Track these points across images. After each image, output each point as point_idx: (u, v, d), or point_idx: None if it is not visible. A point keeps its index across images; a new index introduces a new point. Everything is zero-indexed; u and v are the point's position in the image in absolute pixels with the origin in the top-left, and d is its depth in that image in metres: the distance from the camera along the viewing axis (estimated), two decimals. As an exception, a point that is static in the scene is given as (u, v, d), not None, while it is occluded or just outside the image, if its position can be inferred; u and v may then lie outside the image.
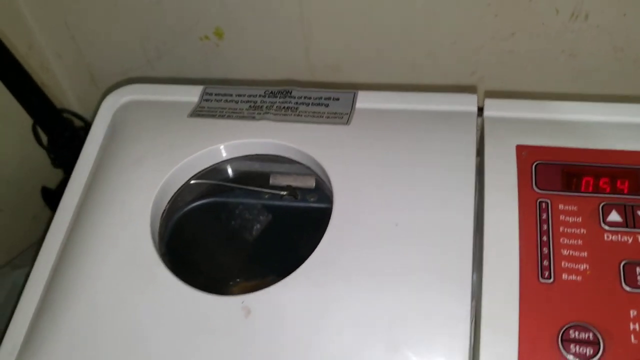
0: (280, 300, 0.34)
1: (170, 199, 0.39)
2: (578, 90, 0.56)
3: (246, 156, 0.42)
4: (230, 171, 0.43)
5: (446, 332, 0.32)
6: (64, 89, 0.71)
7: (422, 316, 0.33)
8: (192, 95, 0.44)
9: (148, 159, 0.39)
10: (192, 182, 0.40)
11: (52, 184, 0.68)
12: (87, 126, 0.65)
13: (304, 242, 0.38)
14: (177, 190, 0.40)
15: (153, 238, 0.36)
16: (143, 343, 0.34)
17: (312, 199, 0.43)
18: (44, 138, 0.64)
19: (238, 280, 0.39)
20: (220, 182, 0.42)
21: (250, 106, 0.42)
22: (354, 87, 0.44)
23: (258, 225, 0.42)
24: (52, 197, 0.64)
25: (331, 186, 0.37)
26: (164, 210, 0.39)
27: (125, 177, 0.39)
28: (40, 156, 0.67)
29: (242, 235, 0.42)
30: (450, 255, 0.34)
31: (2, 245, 0.64)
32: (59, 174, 0.69)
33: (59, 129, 0.62)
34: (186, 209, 0.41)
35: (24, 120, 0.61)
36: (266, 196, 0.44)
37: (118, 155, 0.40)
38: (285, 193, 0.44)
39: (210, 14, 0.60)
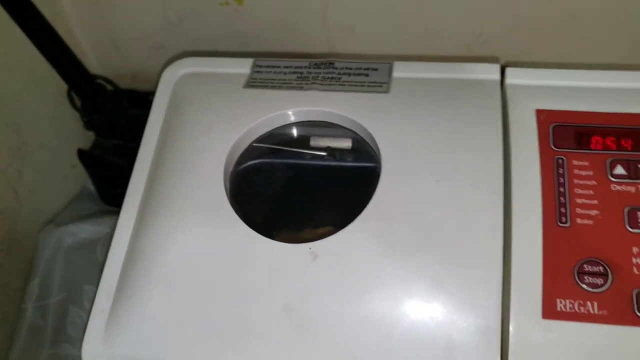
0: (343, 246, 0.41)
1: (236, 161, 0.46)
2: (580, 52, 0.62)
3: (293, 123, 0.49)
4: (280, 135, 0.49)
5: (481, 268, 0.40)
6: (87, 54, 0.76)
7: (462, 257, 0.40)
8: (242, 67, 0.50)
9: (216, 127, 0.46)
10: (254, 145, 0.47)
11: (83, 146, 0.73)
12: (117, 91, 0.70)
13: (348, 197, 0.45)
14: (241, 153, 0.47)
15: (227, 194, 0.43)
16: (224, 287, 0.41)
17: (349, 159, 0.50)
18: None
19: (295, 229, 0.46)
20: (273, 146, 0.48)
21: (297, 77, 0.49)
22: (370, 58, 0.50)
23: (308, 182, 0.49)
24: (87, 158, 0.70)
25: (378, 148, 0.44)
26: (231, 171, 0.46)
27: (198, 143, 0.45)
28: (71, 119, 0.72)
29: (294, 190, 0.49)
30: (483, 206, 0.41)
31: (43, 204, 0.69)
32: (89, 136, 0.74)
33: (92, 94, 0.67)
34: (247, 169, 0.48)
35: (58, 84, 0.66)
36: (308, 157, 0.51)
37: (187, 123, 0.47)
38: (325, 154, 0.51)
39: (231, -21, 0.65)
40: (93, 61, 0.77)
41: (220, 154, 0.45)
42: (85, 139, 0.75)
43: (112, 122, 0.69)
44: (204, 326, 0.41)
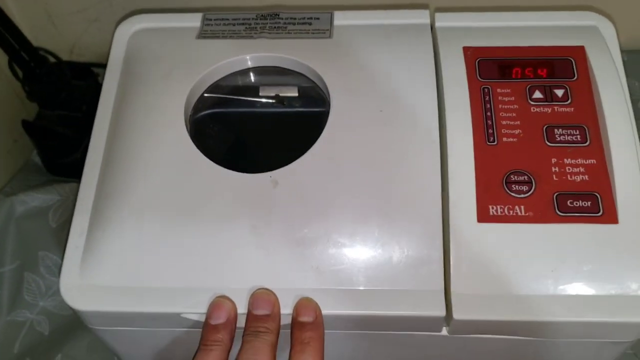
0: (301, 172, 0.47)
1: (194, 105, 0.52)
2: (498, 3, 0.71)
3: (241, 71, 0.55)
4: (231, 84, 0.55)
5: (422, 183, 0.47)
6: (23, 29, 0.78)
7: (405, 174, 0.47)
8: (193, 21, 0.56)
9: (175, 72, 0.51)
10: (207, 95, 0.53)
11: (26, 117, 0.76)
12: (59, 62, 0.74)
13: (301, 137, 0.52)
14: (198, 98, 0.52)
15: (190, 134, 0.49)
16: (192, 215, 0.47)
17: (297, 105, 0.57)
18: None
19: (254, 166, 0.51)
20: (225, 95, 0.54)
21: (246, 27, 0.55)
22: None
23: (265, 126, 0.55)
24: (32, 129, 0.73)
25: (326, 85, 0.51)
26: (190, 114, 0.51)
27: (158, 87, 0.50)
28: (11, 93, 0.75)
29: (252, 134, 0.55)
30: (422, 131, 0.49)
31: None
32: (31, 110, 0.77)
33: (34, 64, 0.71)
34: (205, 115, 0.54)
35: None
36: (258, 105, 0.57)
37: (146, 72, 0.52)
38: (274, 101, 0.57)
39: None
40: (29, 36, 0.79)
41: (181, 96, 0.50)
42: (27, 114, 0.78)
43: (55, 93, 0.72)
44: (175, 252, 0.46)
